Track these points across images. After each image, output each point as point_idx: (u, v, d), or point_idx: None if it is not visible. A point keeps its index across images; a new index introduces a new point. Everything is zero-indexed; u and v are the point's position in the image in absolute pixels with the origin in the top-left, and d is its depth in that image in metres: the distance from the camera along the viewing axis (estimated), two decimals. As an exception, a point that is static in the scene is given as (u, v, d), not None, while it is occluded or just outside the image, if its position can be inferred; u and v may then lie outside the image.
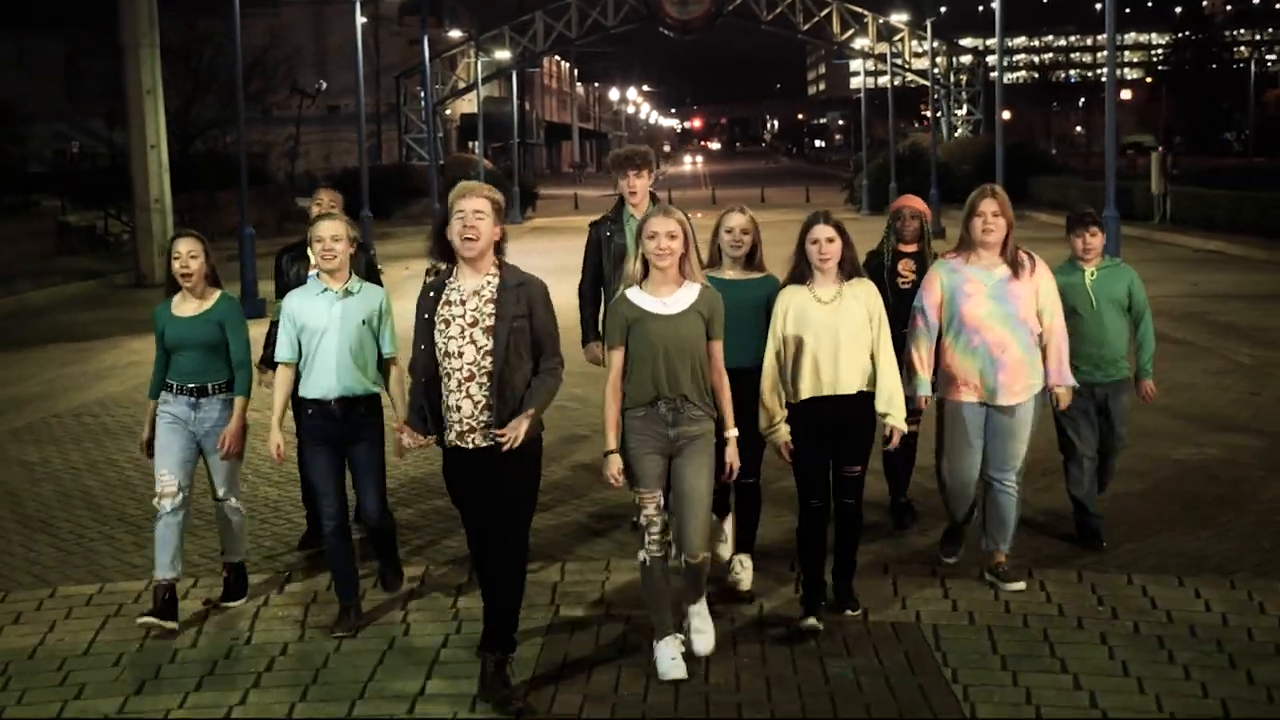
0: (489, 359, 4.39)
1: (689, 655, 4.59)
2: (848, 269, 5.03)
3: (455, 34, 43.70)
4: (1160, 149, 27.53)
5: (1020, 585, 5.40)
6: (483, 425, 4.39)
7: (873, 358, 4.99)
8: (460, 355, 4.40)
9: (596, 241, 6.09)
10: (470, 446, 4.41)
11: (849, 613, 5.10)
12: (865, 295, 5.02)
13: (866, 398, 5.01)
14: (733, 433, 4.62)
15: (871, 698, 4.42)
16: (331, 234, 5.04)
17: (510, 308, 4.41)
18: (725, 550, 5.49)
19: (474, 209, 4.41)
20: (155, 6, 19.82)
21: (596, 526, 6.41)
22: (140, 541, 6.01)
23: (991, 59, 41.24)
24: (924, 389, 5.43)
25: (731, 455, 4.63)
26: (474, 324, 4.41)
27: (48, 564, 6.12)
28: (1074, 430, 5.92)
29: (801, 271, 5.05)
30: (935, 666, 4.65)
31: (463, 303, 4.44)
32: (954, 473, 5.47)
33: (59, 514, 7.00)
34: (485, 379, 4.38)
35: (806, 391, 4.97)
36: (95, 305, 17.63)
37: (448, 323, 4.43)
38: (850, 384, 4.97)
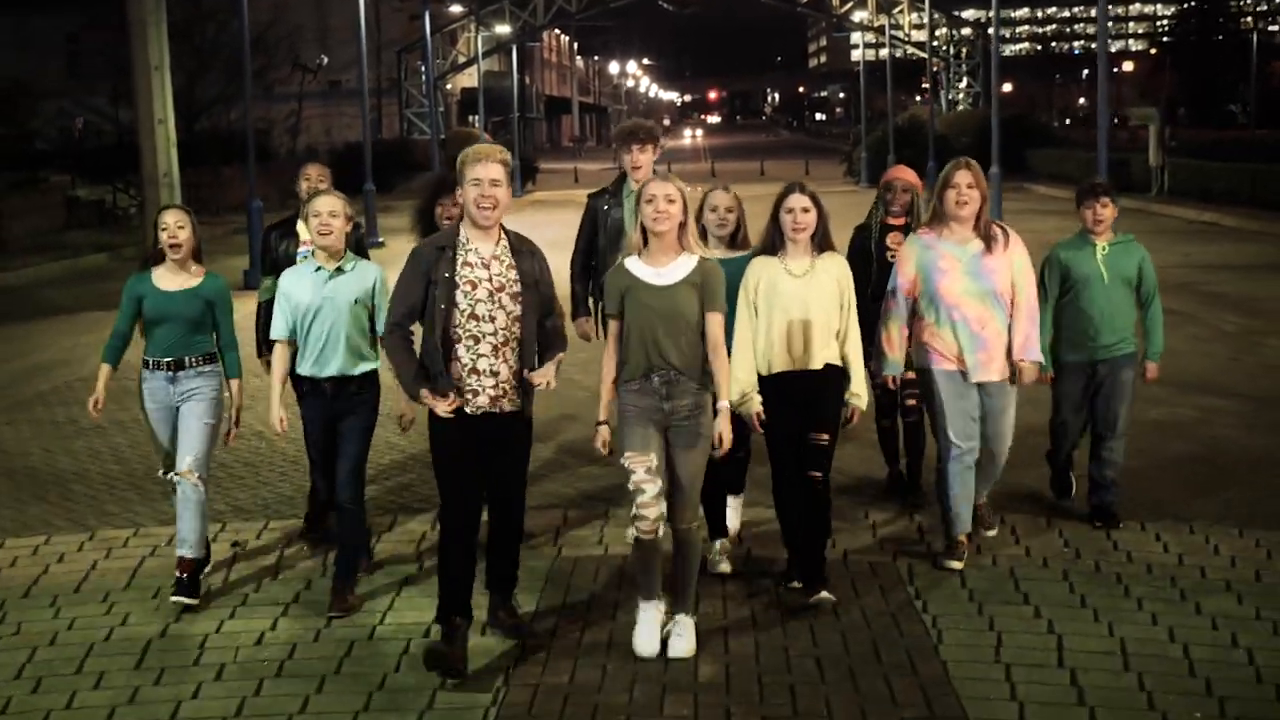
0: (518, 325, 4.41)
1: (664, 653, 4.49)
2: (820, 241, 4.96)
3: (456, 9, 43.80)
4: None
5: (993, 531, 5.71)
6: (514, 389, 4.42)
7: (842, 334, 4.97)
8: (492, 320, 4.38)
9: (593, 214, 6.00)
10: (500, 411, 4.43)
11: (823, 595, 4.91)
12: (837, 270, 4.97)
13: (837, 371, 4.98)
14: (724, 404, 4.53)
15: (847, 625, 4.80)
16: (329, 209, 4.99)
17: (531, 273, 4.44)
18: (735, 521, 5.58)
19: (490, 177, 4.34)
20: (162, -17, 20.05)
21: (595, 489, 6.70)
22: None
23: (966, 31, 41.37)
24: (891, 369, 5.43)
25: (722, 426, 4.49)
26: (501, 289, 4.39)
27: (84, 511, 6.54)
28: (1066, 406, 5.89)
29: (773, 242, 4.97)
30: (908, 599, 5.04)
31: (485, 266, 4.39)
32: (955, 441, 5.31)
33: (91, 467, 7.41)
34: (517, 345, 4.42)
35: (778, 365, 4.94)
36: (107, 277, 17.97)
37: (474, 285, 4.38)
38: (821, 358, 4.94)
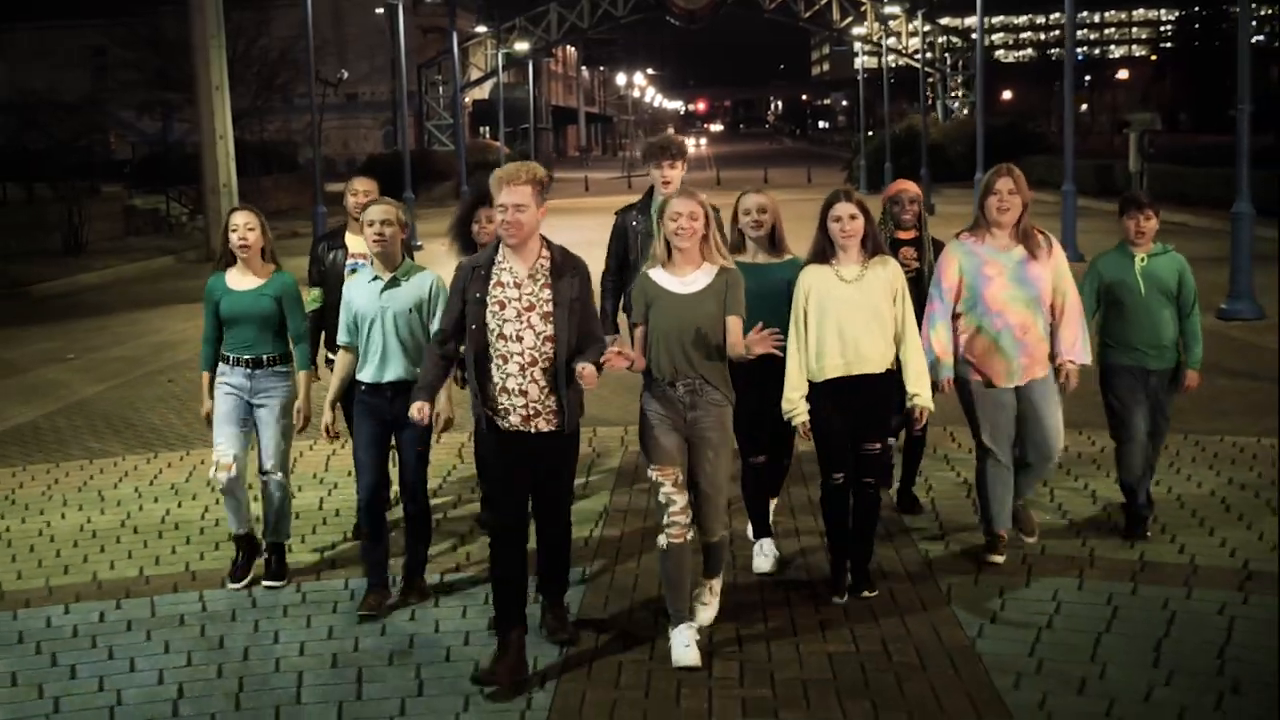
0: (549, 345, 4.40)
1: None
2: (870, 246, 4.99)
3: (481, 29, 45.74)
4: (1123, 123, 29.20)
5: (1033, 538, 5.67)
6: (550, 410, 4.45)
7: (897, 336, 4.98)
8: (520, 340, 4.41)
9: (623, 230, 5.94)
10: (534, 431, 4.45)
11: (866, 594, 5.13)
12: (888, 272, 4.98)
13: (890, 375, 5.00)
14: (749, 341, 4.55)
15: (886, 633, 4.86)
16: (382, 218, 5.06)
17: (567, 292, 4.43)
18: (768, 563, 5.48)
19: (515, 202, 4.35)
20: (221, 9, 22.03)
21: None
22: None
23: (971, 37, 43.24)
24: (946, 372, 5.35)
25: (735, 333, 4.55)
26: (530, 308, 4.41)
27: (207, 435, 8.22)
28: (1126, 414, 5.75)
29: (824, 250, 5.00)
30: (938, 591, 5.20)
31: (517, 285, 4.42)
32: (991, 447, 5.40)
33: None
34: (547, 364, 4.41)
35: (831, 371, 4.95)
36: (178, 276, 19.97)
37: (503, 305, 4.41)
38: (875, 363, 4.95)
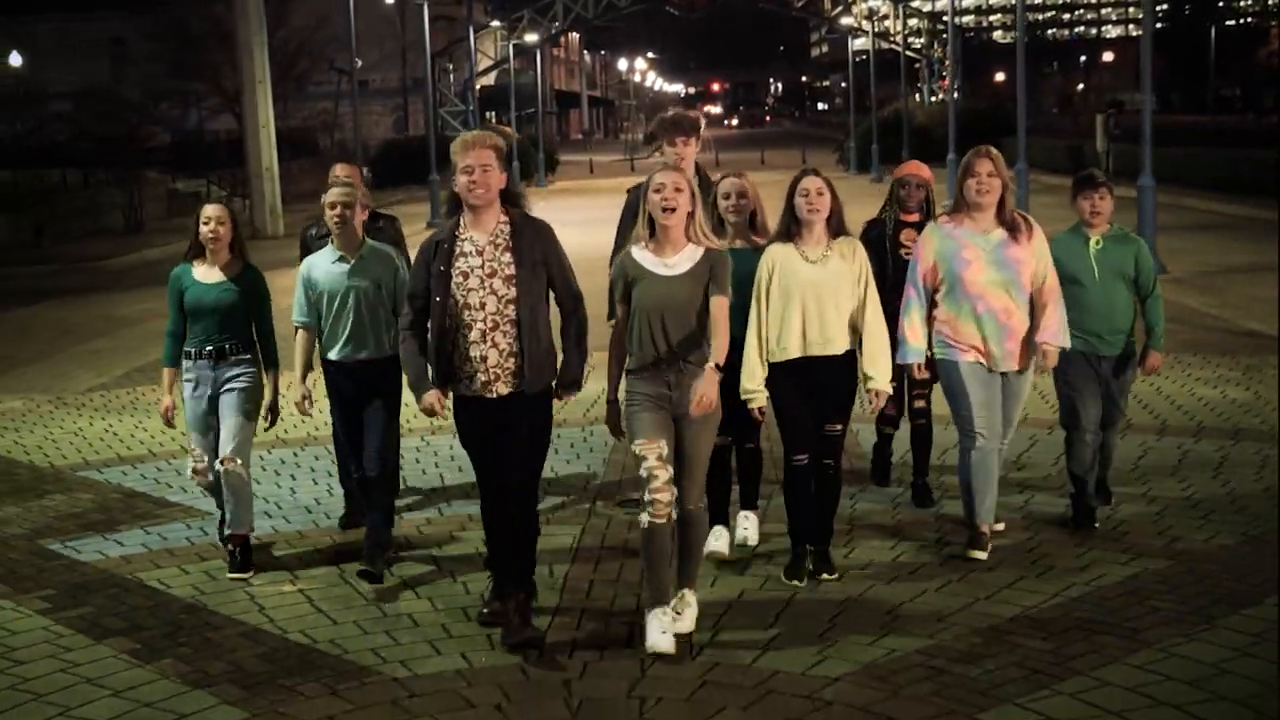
0: (512, 307, 4.44)
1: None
2: (835, 226, 4.95)
3: (495, 24, 47.99)
4: (1117, 103, 31.06)
5: (999, 525, 5.47)
6: (509, 372, 4.46)
7: (858, 317, 4.94)
8: (482, 307, 4.45)
9: (634, 208, 5.37)
10: (494, 396, 4.47)
11: (825, 577, 5.09)
12: (852, 254, 4.95)
13: (853, 357, 4.98)
14: (712, 365, 4.43)
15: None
16: (342, 200, 5.17)
17: (527, 254, 4.47)
18: (723, 545, 5.36)
19: (481, 163, 4.40)
20: (263, 9, 24.32)
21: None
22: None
23: (967, 19, 45.21)
24: (914, 356, 5.30)
25: (707, 386, 4.36)
26: (493, 274, 4.45)
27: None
28: (1079, 402, 5.61)
29: (789, 228, 4.96)
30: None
31: (479, 253, 4.46)
32: (979, 431, 5.23)
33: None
34: (510, 326, 4.45)
35: (794, 351, 4.92)
36: (229, 252, 22.27)
37: (466, 275, 4.45)
38: (838, 344, 4.93)
